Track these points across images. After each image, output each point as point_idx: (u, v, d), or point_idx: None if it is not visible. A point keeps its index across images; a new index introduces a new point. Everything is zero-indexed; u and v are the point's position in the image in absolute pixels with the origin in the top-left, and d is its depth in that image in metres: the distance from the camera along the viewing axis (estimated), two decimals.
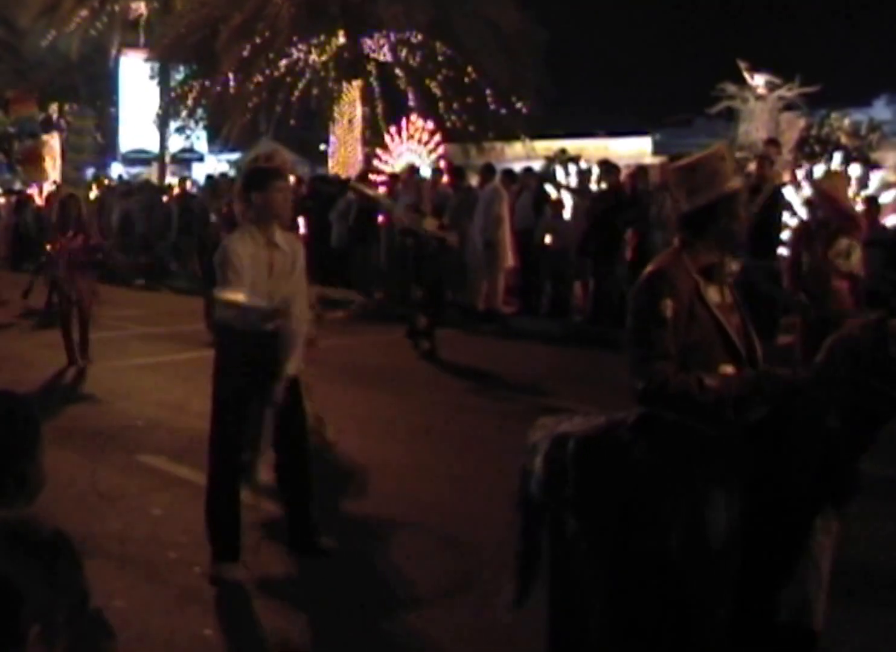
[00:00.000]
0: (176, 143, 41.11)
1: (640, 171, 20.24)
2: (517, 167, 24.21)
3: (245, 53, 31.32)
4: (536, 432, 5.50)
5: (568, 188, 20.90)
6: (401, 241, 17.50)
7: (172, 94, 35.77)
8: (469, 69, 30.94)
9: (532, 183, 21.88)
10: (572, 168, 21.67)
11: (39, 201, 32.67)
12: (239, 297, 7.52)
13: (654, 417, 5.01)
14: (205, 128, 38.32)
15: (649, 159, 30.13)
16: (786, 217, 17.32)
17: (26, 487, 3.40)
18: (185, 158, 49.48)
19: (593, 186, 20.77)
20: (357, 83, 32.71)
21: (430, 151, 26.38)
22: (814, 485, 4.75)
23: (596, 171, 20.69)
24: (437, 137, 26.55)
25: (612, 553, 4.99)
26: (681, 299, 4.99)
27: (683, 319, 4.98)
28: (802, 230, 11.94)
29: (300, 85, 32.46)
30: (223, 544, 7.84)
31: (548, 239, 20.09)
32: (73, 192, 18.18)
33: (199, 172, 44.73)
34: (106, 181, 35.18)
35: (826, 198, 10.56)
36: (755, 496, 4.81)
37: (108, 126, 48.29)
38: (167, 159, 41.09)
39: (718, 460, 4.84)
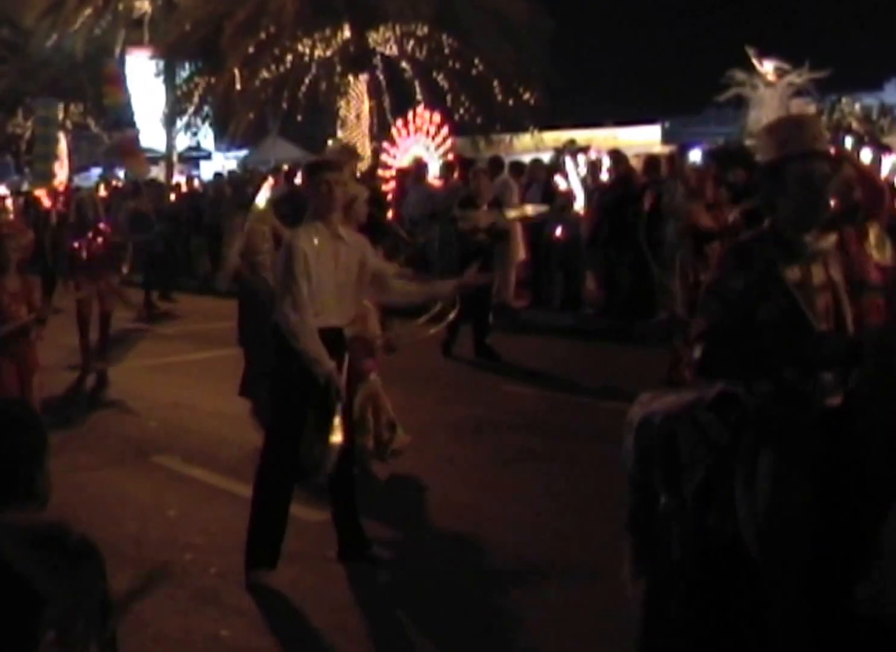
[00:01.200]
0: (183, 141, 40.97)
1: (651, 159, 20.08)
2: (526, 159, 24.08)
3: (250, 49, 31.15)
4: (633, 409, 5.44)
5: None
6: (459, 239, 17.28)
7: (178, 92, 35.63)
8: (476, 61, 30.78)
9: (541, 175, 21.74)
10: (581, 158, 21.50)
11: (47, 203, 32.60)
12: (305, 331, 7.40)
13: (730, 396, 4.91)
14: (211, 125, 38.21)
15: (659, 148, 30.00)
16: None
17: (35, 492, 3.43)
18: (193, 157, 49.45)
19: (603, 176, 20.59)
20: (364, 77, 32.54)
21: (438, 145, 26.23)
22: (892, 469, 4.57)
23: (606, 161, 20.49)
24: (445, 130, 26.43)
25: (694, 535, 4.92)
26: (753, 275, 4.84)
27: (754, 296, 4.83)
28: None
29: (306, 80, 32.30)
30: (264, 552, 7.81)
31: (558, 231, 19.94)
32: (91, 192, 17.97)
33: (207, 170, 44.70)
34: (113, 182, 35.07)
35: (865, 176, 9.18)
36: (831, 480, 4.64)
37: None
38: (175, 158, 40.91)
39: (791, 442, 4.71)
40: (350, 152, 11.92)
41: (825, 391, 4.77)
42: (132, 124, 23.56)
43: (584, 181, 20.53)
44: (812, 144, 4.97)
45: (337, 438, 7.54)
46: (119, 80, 23.73)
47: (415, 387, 13.78)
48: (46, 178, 27.75)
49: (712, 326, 4.87)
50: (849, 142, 18.97)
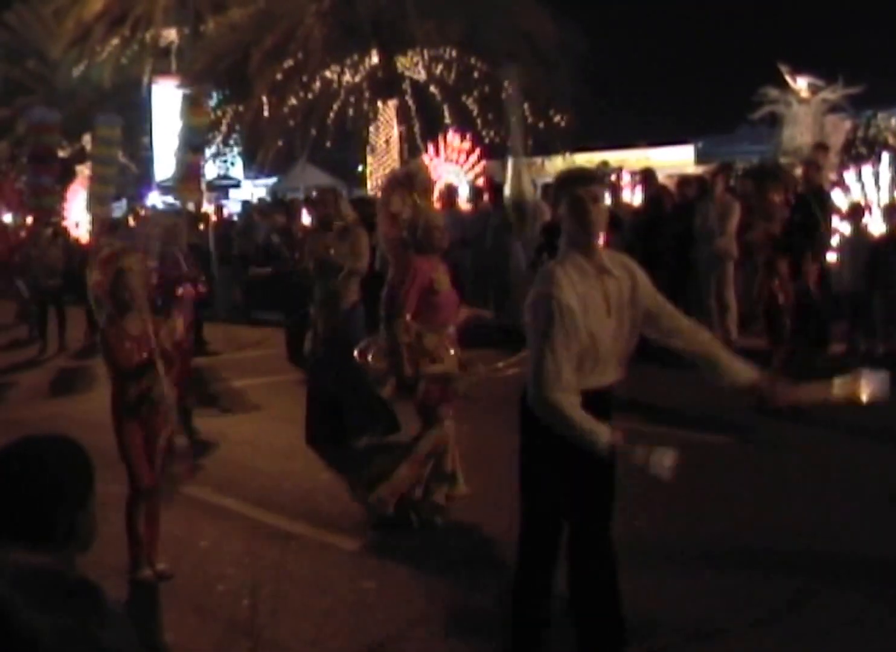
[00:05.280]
0: (212, 170, 41.03)
1: (684, 180, 19.87)
2: None
3: (278, 76, 31.19)
4: None
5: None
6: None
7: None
8: (506, 84, 30.68)
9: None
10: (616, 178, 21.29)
11: (75, 233, 32.58)
12: (565, 407, 5.65)
13: None
14: (240, 153, 38.27)
15: (692, 168, 29.85)
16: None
17: (76, 535, 3.31)
18: (222, 185, 49.53)
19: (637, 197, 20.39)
20: (392, 102, 32.52)
21: (468, 170, 26.15)
22: None
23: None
24: (475, 155, 26.35)
25: None
26: None
27: None
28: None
29: (335, 106, 32.28)
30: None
31: None
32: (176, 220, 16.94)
33: (236, 199, 44.73)
34: (142, 212, 35.10)
35: None
36: None
37: (142, 155, 48.47)
38: (203, 186, 40.97)
39: None
40: (423, 170, 11.53)
41: None
42: (200, 149, 23.35)
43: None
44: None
45: None
46: (202, 103, 23.56)
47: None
48: (105, 203, 27.55)
49: None
50: (885, 158, 18.72)
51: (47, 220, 28.12)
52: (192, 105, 24.05)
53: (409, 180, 10.79)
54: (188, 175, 23.83)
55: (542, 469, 6.05)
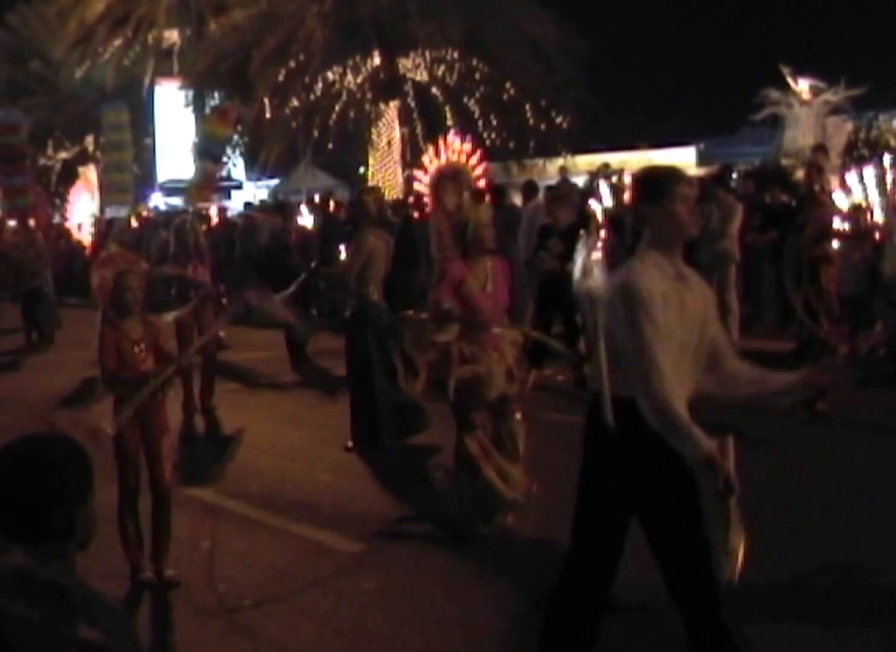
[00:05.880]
0: None
1: None
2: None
3: (280, 78, 31.25)
4: None
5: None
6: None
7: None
8: (507, 85, 30.72)
9: (575, 198, 21.51)
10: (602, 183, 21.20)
11: (77, 235, 32.62)
12: (672, 404, 5.27)
13: None
14: (242, 155, 38.27)
15: (694, 170, 29.78)
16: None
17: (76, 533, 3.31)
18: (224, 186, 49.50)
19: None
20: (394, 104, 32.56)
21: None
22: None
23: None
24: (477, 157, 26.35)
25: None
26: None
27: None
28: None
29: (337, 108, 32.31)
30: None
31: (596, 255, 19.57)
32: (188, 218, 16.54)
33: (238, 200, 44.71)
34: (144, 212, 35.15)
35: None
36: None
37: (145, 156, 48.50)
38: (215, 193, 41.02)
39: None
40: (465, 170, 11.13)
41: None
42: (218, 159, 23.20)
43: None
44: None
45: (738, 540, 5.44)
46: (229, 114, 23.45)
47: None
48: (124, 190, 27.36)
49: None
50: (887, 160, 18.74)
51: (24, 221, 28.03)
52: (219, 116, 24.10)
53: (458, 176, 10.51)
54: (205, 183, 23.87)
55: (618, 479, 5.56)
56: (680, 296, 5.49)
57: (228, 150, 35.68)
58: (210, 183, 23.52)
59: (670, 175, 5.75)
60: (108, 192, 27.96)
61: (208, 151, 23.24)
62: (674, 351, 5.39)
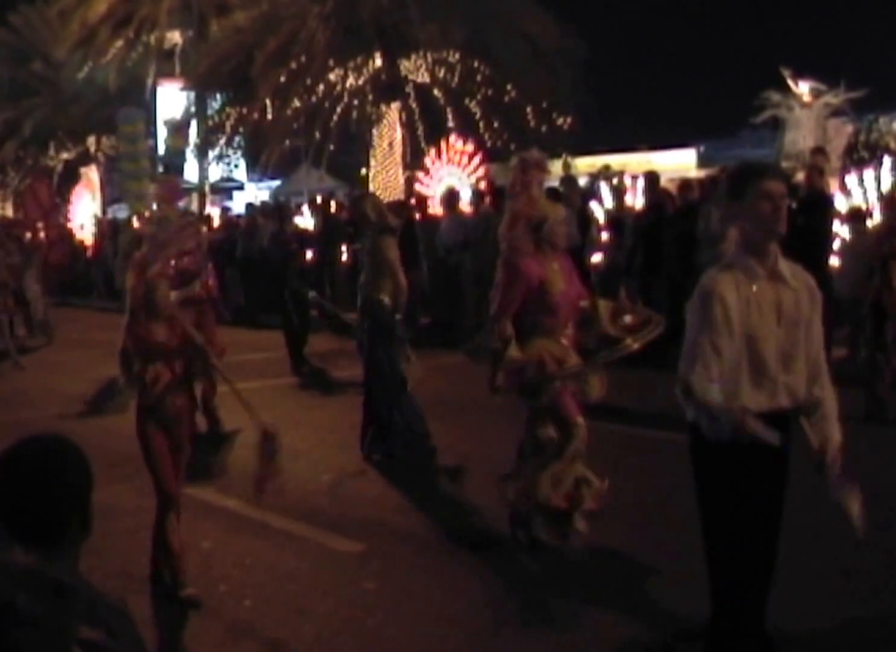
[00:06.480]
0: (215, 172, 41.05)
1: (685, 184, 19.80)
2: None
3: (281, 79, 31.18)
4: None
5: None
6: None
7: (210, 123, 35.69)
8: (508, 87, 30.71)
9: (576, 200, 21.49)
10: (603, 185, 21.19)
11: (80, 236, 32.68)
12: (713, 395, 5.42)
13: None
14: (243, 156, 38.29)
15: (694, 172, 29.84)
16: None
17: (77, 533, 3.35)
18: (226, 187, 49.55)
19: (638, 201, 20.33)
20: (396, 105, 32.52)
21: (470, 173, 26.16)
22: None
23: (641, 184, 20.20)
24: (478, 158, 26.37)
25: None
26: None
27: None
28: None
29: (338, 109, 32.29)
30: None
31: (597, 257, 19.55)
32: (192, 218, 16.04)
33: (240, 201, 44.78)
34: (146, 213, 35.17)
35: None
36: None
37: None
38: (207, 189, 41.01)
39: None
40: (541, 164, 10.61)
41: None
42: (179, 171, 23.27)
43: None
44: None
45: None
46: (185, 129, 23.59)
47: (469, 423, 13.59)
48: (142, 198, 27.45)
49: None
50: (887, 162, 18.76)
51: None
52: (175, 131, 24.29)
53: (541, 164, 10.16)
54: (166, 197, 24.10)
55: (709, 481, 5.68)
56: (776, 296, 5.50)
57: (229, 151, 35.84)
58: (172, 195, 23.71)
59: (752, 170, 5.67)
60: (126, 200, 28.01)
61: (171, 164, 23.45)
62: (768, 357, 5.46)
